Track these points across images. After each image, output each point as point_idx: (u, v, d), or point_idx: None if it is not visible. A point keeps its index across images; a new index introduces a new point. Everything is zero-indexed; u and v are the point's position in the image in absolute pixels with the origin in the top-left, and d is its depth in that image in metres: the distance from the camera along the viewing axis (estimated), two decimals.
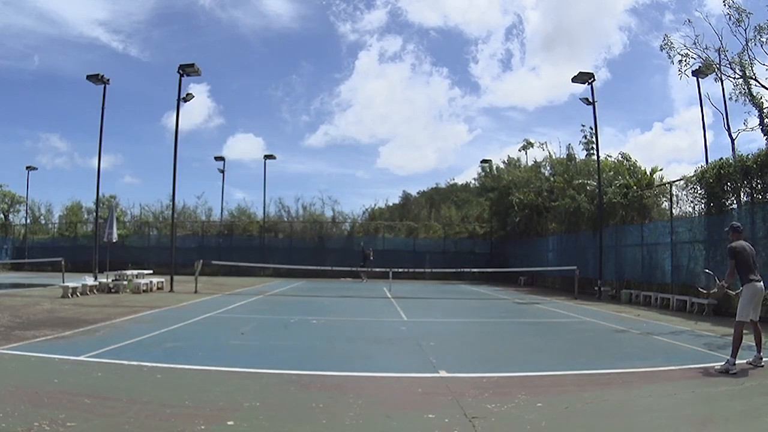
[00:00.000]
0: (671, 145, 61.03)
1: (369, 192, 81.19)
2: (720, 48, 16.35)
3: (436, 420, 4.25)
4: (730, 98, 16.73)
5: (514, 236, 30.54)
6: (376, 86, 70.29)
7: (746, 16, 15.65)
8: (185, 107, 23.90)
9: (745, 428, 4.23)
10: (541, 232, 27.94)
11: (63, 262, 20.01)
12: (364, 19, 74.21)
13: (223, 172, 37.42)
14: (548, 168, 29.22)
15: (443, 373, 6.05)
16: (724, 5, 16.03)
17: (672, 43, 17.21)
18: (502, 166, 34.94)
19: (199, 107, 67.85)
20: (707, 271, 7.77)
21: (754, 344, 6.60)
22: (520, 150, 34.36)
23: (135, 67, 65.54)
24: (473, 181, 40.70)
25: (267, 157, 36.10)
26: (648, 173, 20.19)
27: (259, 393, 5.04)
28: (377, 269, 26.34)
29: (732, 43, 20.38)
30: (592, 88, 20.02)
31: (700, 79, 18.65)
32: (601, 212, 19.65)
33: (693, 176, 15.29)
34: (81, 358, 6.48)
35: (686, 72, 17.36)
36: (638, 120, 68.86)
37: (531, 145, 33.22)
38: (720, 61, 16.53)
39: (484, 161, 36.39)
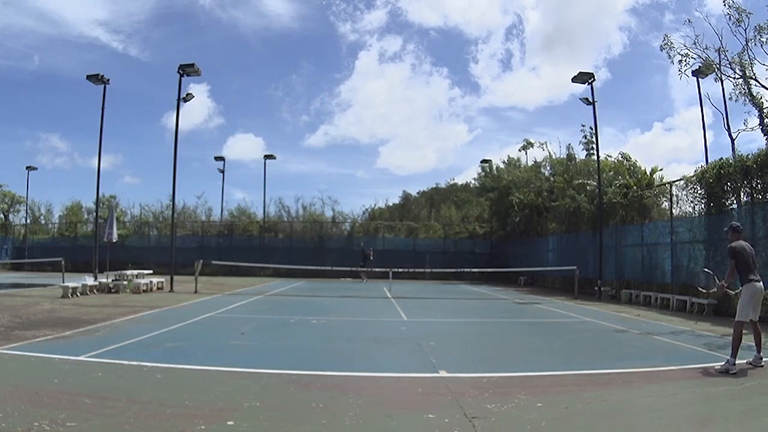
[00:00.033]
0: (671, 145, 61.16)
1: (369, 192, 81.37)
2: (720, 48, 16.38)
3: (436, 420, 4.25)
4: (730, 98, 16.77)
5: (514, 236, 30.53)
6: (376, 86, 70.45)
7: (746, 16, 15.67)
8: (185, 107, 23.94)
9: (745, 428, 4.23)
10: (541, 232, 27.93)
11: (63, 262, 20.02)
12: (364, 19, 74.36)
13: (223, 172, 37.53)
14: (548, 168, 29.24)
15: (443, 373, 6.05)
16: (724, 5, 16.06)
17: (672, 43, 17.23)
18: (502, 166, 35.01)
19: (199, 107, 68.04)
20: (707, 270, 7.76)
21: (753, 344, 6.60)
22: (520, 150, 34.47)
23: (135, 67, 65.72)
24: (473, 181, 40.82)
25: (267, 157, 36.13)
26: (648, 173, 20.20)
27: (259, 393, 5.04)
28: (377, 269, 26.33)
29: (732, 43, 20.44)
30: (592, 88, 20.06)
31: (700, 79, 18.67)
32: (601, 212, 19.65)
33: (693, 176, 15.29)
34: (81, 358, 6.48)
35: (686, 72, 17.39)
36: (638, 120, 69.02)
37: (531, 145, 33.29)
38: (720, 61, 16.54)
39: (484, 161, 36.45)
